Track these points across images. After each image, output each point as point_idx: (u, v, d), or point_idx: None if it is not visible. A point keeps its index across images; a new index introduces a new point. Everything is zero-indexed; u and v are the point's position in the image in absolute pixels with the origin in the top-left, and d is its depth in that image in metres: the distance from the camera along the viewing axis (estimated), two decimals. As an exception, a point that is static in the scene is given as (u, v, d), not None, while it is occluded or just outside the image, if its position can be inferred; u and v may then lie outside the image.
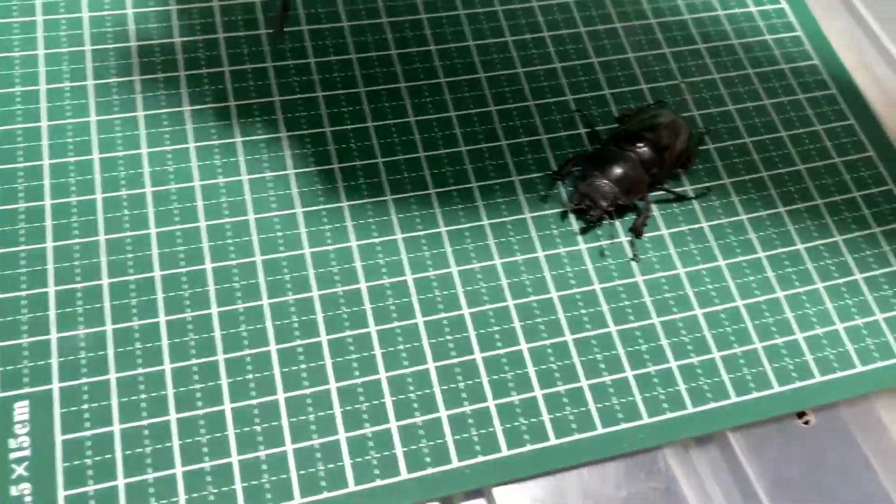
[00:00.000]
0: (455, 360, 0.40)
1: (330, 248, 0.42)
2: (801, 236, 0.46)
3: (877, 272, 0.45)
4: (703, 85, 0.51)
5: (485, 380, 0.40)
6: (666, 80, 0.51)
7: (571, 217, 0.45)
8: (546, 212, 0.45)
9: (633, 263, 0.44)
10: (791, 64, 0.53)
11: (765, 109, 0.50)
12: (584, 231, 0.45)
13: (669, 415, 0.40)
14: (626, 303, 0.43)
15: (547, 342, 0.41)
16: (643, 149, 0.45)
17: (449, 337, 0.40)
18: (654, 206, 0.46)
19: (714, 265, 0.44)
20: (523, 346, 0.41)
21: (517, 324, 0.41)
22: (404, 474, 0.37)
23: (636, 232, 0.45)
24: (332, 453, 0.37)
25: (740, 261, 0.45)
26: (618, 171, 0.44)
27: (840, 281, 0.45)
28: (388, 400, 0.38)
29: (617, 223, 0.45)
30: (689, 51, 0.52)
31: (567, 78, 0.50)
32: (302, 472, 0.36)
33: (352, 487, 0.36)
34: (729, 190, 0.47)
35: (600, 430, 0.39)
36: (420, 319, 0.41)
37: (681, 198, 0.46)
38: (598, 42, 0.52)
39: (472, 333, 0.41)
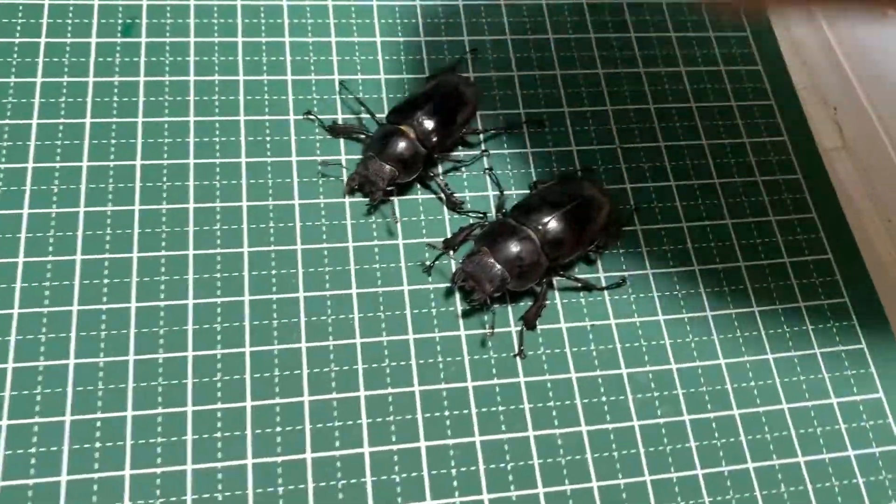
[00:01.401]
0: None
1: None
2: (725, 349, 0.39)
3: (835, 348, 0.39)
4: (642, 152, 0.44)
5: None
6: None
7: (457, 296, 0.39)
8: (428, 285, 0.39)
9: (518, 360, 0.38)
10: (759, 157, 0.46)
11: (713, 189, 0.44)
12: (466, 314, 0.38)
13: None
14: (502, 408, 0.36)
15: (396, 447, 0.35)
16: (549, 225, 0.38)
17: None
18: (556, 293, 0.39)
19: (615, 373, 0.38)
20: (366, 450, 0.35)
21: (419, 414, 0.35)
22: None
23: (527, 323, 0.38)
24: None
25: (648, 370, 0.38)
26: (512, 250, 0.37)
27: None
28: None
29: (508, 308, 0.38)
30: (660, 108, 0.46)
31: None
32: None
33: None
34: (650, 282, 0.40)
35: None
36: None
37: (587, 287, 0.40)
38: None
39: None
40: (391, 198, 0.41)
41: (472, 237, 0.39)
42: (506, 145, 0.43)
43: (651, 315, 0.39)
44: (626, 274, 0.40)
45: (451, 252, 0.39)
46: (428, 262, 0.39)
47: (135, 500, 0.33)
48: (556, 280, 0.39)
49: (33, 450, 0.33)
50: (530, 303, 0.39)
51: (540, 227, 0.38)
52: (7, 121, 0.40)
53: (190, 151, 0.40)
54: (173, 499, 0.33)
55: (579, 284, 0.39)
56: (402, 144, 0.40)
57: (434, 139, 0.41)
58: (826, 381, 0.39)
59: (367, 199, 0.40)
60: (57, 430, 0.33)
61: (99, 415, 0.34)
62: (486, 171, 0.42)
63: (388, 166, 0.39)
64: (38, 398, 0.34)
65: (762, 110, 0.46)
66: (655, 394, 0.37)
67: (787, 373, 0.39)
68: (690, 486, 0.36)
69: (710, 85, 0.47)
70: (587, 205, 0.39)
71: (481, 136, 0.43)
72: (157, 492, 0.33)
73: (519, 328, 0.38)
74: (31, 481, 0.32)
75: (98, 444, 0.33)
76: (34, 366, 0.34)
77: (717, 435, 0.37)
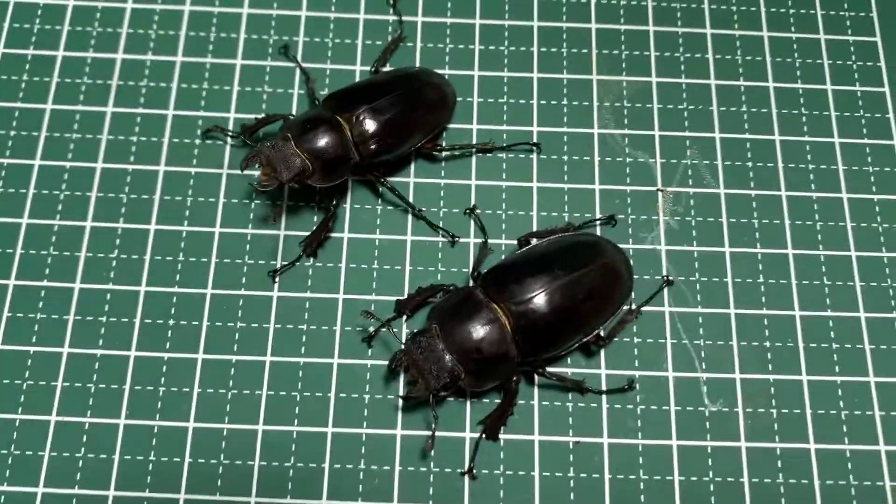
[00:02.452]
0: None
1: None
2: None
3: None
4: (692, 199, 0.32)
5: None
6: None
7: (401, 381, 0.30)
8: (363, 360, 0.30)
9: (466, 480, 0.28)
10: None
11: (783, 263, 0.31)
12: (406, 408, 0.29)
13: None
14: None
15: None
16: (531, 305, 0.28)
17: None
18: (535, 390, 0.29)
19: (596, 513, 0.28)
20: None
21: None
22: None
23: (487, 430, 0.28)
24: None
25: (643, 515, 0.28)
26: (470, 337, 0.27)
27: None
28: None
29: (466, 405, 0.28)
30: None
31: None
32: None
33: None
34: (668, 391, 0.29)
35: None
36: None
37: (579, 389, 0.29)
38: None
39: None
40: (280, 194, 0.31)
41: (431, 303, 0.30)
42: (505, 173, 0.32)
43: (663, 438, 0.29)
44: (636, 374, 0.30)
45: (404, 319, 0.30)
46: (371, 329, 0.30)
47: None
48: (535, 375, 0.29)
49: None
50: (497, 400, 0.29)
51: (515, 306, 0.27)
52: None
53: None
54: None
55: (567, 384, 0.29)
56: (327, 139, 0.30)
57: (372, 146, 0.30)
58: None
59: (257, 182, 0.29)
60: None
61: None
62: (469, 210, 0.32)
63: (299, 158, 0.29)
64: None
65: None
66: (648, 544, 0.28)
67: None
68: None
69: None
70: (596, 277, 0.28)
71: (443, 155, 0.32)
72: None
73: (476, 435, 0.29)
74: None
75: None
76: None
77: None
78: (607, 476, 0.28)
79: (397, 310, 0.30)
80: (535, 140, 0.32)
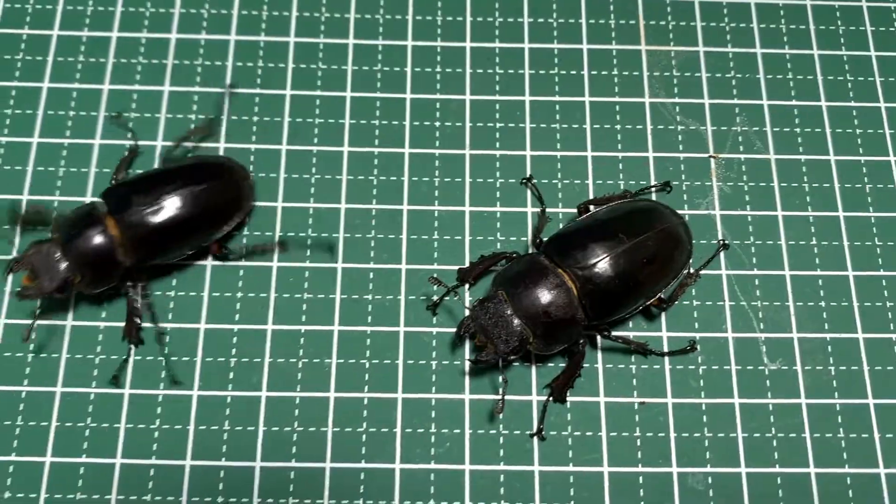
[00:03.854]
0: None
1: None
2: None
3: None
4: (743, 164, 0.32)
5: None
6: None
7: (466, 347, 0.30)
8: (430, 328, 0.30)
9: (535, 441, 0.29)
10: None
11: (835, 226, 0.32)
12: (474, 373, 0.30)
13: None
14: None
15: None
16: (596, 269, 0.28)
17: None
18: (598, 354, 0.30)
19: (663, 471, 0.29)
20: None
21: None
22: None
23: (553, 393, 0.29)
24: None
25: (707, 472, 0.28)
26: (538, 301, 0.28)
27: None
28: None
29: (532, 370, 0.29)
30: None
31: None
32: None
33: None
34: (728, 351, 0.30)
35: None
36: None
37: (642, 351, 0.30)
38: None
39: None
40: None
41: (495, 271, 0.30)
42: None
43: (724, 396, 0.29)
44: (697, 336, 0.30)
45: (467, 288, 0.31)
46: (434, 298, 0.31)
47: None
48: (599, 338, 0.30)
49: None
50: (562, 364, 0.30)
51: (581, 271, 0.28)
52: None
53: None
54: None
55: (631, 347, 0.30)
56: (95, 241, 0.28)
57: (140, 251, 0.28)
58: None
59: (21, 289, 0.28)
60: None
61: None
62: (525, 180, 0.32)
63: (64, 263, 0.27)
64: None
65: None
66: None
67: None
68: None
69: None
70: (657, 242, 0.29)
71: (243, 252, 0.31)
72: None
73: (543, 398, 0.29)
74: None
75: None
76: None
77: (790, 574, 0.28)
78: (672, 434, 0.29)
79: (460, 278, 0.30)
80: (587, 110, 0.33)
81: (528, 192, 0.32)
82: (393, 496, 0.28)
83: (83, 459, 0.28)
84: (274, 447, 0.28)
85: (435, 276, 0.30)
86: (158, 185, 0.29)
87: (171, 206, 0.28)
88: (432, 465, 0.28)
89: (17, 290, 0.28)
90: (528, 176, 0.32)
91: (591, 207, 0.30)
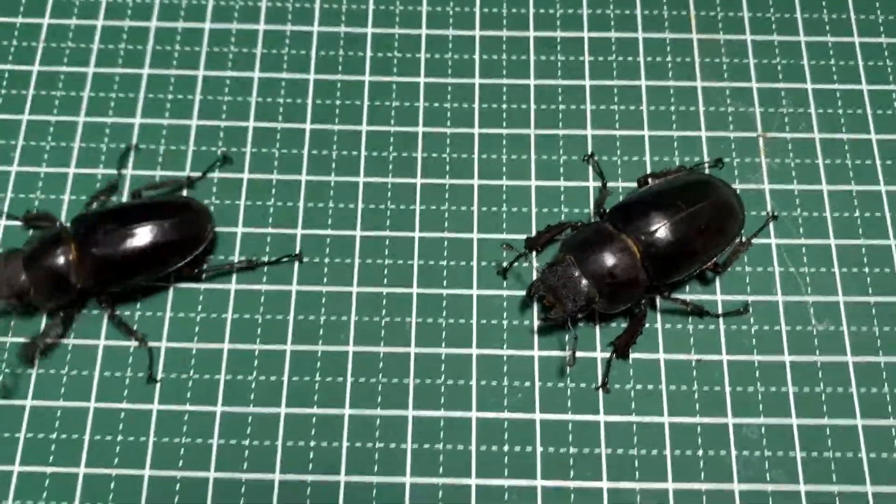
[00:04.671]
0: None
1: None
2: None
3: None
4: (790, 144, 0.35)
5: None
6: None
7: (534, 308, 0.33)
8: (501, 291, 0.33)
9: (600, 393, 0.31)
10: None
11: (877, 199, 0.34)
12: (543, 332, 0.32)
13: None
14: (573, 450, 0.30)
15: (442, 481, 0.30)
16: (657, 235, 0.31)
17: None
18: (658, 315, 0.32)
19: (720, 422, 0.31)
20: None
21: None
22: None
23: (617, 350, 0.32)
24: None
25: (761, 423, 0.31)
26: (604, 263, 0.30)
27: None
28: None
29: (595, 329, 0.32)
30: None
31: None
32: None
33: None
34: (778, 312, 0.32)
35: None
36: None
37: (698, 312, 0.32)
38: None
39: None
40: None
41: (560, 240, 0.33)
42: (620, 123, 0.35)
43: (775, 353, 0.32)
44: (749, 299, 0.33)
45: (534, 254, 0.33)
46: (504, 264, 0.33)
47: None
48: (659, 300, 0.32)
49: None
50: (624, 324, 0.32)
51: (643, 237, 0.31)
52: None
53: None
54: None
55: (688, 308, 0.32)
56: (53, 260, 0.30)
57: (99, 276, 0.31)
58: None
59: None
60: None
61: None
62: (587, 157, 0.35)
63: (22, 275, 0.30)
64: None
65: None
66: (767, 453, 0.30)
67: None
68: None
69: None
70: (712, 211, 0.31)
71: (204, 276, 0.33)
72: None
73: (607, 355, 0.32)
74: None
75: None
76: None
77: (841, 515, 0.30)
78: (727, 389, 0.31)
79: (528, 246, 0.33)
80: (644, 93, 0.36)
81: (590, 168, 0.34)
82: (470, 441, 0.30)
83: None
84: (363, 395, 0.31)
85: (507, 243, 0.32)
86: (124, 216, 0.31)
87: (131, 238, 0.31)
88: (505, 414, 0.31)
89: None
90: (590, 153, 0.35)
91: (650, 181, 0.33)
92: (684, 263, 0.31)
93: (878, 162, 0.35)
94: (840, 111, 0.35)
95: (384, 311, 0.32)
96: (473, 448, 0.30)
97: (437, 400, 0.31)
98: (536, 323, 0.32)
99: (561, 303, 0.30)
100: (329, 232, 0.33)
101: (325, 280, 0.33)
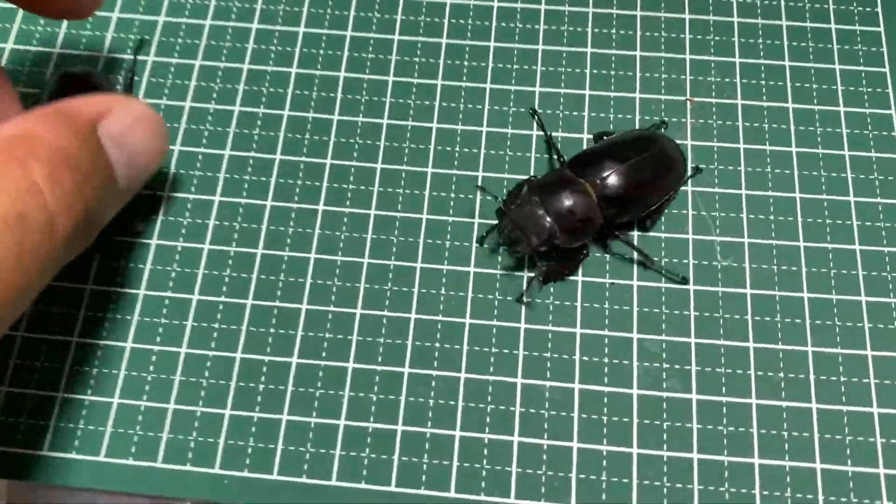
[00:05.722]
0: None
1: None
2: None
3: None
4: (714, 108, 0.40)
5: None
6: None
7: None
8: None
9: (522, 306, 0.36)
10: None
11: (787, 158, 0.38)
12: (508, 268, 0.37)
13: None
14: (495, 350, 0.35)
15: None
16: (609, 180, 0.35)
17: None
18: (608, 257, 0.37)
19: (627, 335, 0.35)
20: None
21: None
22: None
23: (548, 272, 0.36)
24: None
25: (665, 339, 0.35)
26: (564, 202, 0.35)
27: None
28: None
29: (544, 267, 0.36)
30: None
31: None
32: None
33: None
34: (687, 246, 0.37)
35: None
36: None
37: (645, 263, 0.36)
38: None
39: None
40: None
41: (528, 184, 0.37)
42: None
43: (681, 284, 0.36)
44: (664, 236, 0.37)
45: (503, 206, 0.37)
46: (485, 234, 0.37)
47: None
48: (609, 241, 0.37)
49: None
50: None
51: (599, 181, 0.35)
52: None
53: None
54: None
55: (637, 257, 0.36)
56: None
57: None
58: None
59: None
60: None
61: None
62: (532, 111, 0.40)
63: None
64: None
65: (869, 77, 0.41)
66: (665, 366, 0.35)
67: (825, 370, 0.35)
68: (680, 468, 0.33)
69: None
70: (656, 161, 0.36)
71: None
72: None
73: (535, 273, 0.36)
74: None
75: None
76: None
77: (725, 421, 0.34)
78: (636, 309, 0.36)
79: (504, 211, 0.37)
80: (588, 59, 0.40)
81: (534, 122, 0.40)
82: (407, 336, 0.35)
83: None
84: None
85: (480, 185, 0.38)
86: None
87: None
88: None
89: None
90: (533, 108, 0.40)
91: (605, 137, 0.38)
92: (632, 204, 0.36)
93: (792, 127, 0.39)
94: (763, 82, 0.40)
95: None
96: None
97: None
98: (505, 260, 0.37)
99: (527, 237, 0.35)
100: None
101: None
